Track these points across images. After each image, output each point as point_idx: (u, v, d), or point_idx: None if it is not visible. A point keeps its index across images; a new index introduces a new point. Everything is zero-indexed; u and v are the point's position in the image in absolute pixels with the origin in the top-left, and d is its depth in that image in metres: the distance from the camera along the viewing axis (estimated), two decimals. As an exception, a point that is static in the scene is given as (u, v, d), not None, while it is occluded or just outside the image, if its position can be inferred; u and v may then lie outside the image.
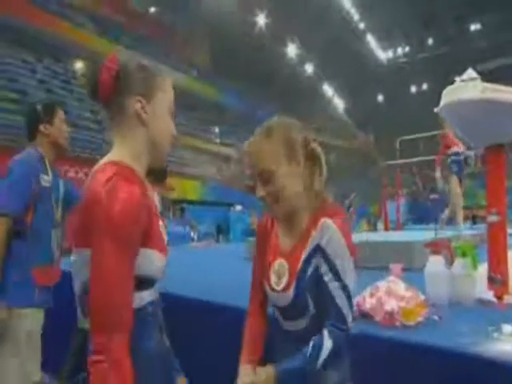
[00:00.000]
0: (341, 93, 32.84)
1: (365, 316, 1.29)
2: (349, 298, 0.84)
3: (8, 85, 13.56)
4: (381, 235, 4.72)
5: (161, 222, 0.78)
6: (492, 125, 1.40)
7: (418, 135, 9.76)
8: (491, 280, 1.47)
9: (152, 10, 23.80)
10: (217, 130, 24.12)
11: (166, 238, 0.80)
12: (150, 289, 0.74)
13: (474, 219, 13.67)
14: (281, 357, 0.86)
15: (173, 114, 0.81)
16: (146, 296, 0.73)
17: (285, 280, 0.88)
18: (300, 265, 0.87)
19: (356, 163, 36.47)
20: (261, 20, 25.44)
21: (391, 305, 1.21)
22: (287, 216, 0.91)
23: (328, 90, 32.64)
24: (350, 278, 0.84)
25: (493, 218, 1.47)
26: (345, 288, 0.83)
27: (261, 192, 0.87)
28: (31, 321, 1.57)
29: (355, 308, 1.34)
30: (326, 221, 0.86)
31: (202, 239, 11.32)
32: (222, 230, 13.91)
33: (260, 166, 0.86)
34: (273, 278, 0.90)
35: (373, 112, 34.07)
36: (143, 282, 0.72)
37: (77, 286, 0.74)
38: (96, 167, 0.74)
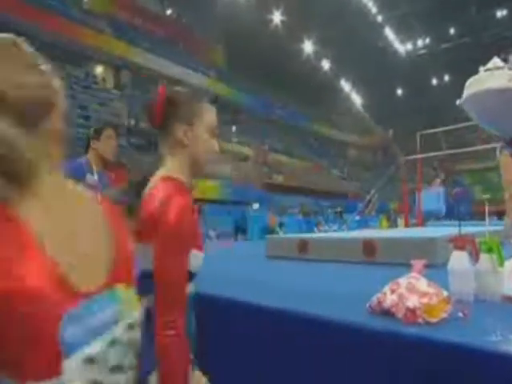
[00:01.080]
0: (358, 88, 32.27)
1: (386, 313, 1.27)
2: None
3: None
4: (401, 231, 4.63)
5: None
6: (518, 114, 1.34)
7: (438, 129, 9.51)
8: (519, 276, 1.41)
9: (169, 11, 24.06)
10: (233, 129, 24.21)
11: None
12: (190, 282, 0.89)
13: (500, 215, 13.22)
14: None
15: (213, 133, 0.98)
16: (188, 288, 0.88)
17: None
18: None
19: (376, 159, 35.86)
20: (276, 18, 25.30)
21: (413, 301, 1.18)
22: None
23: (345, 85, 32.15)
24: None
25: (520, 212, 1.41)
26: None
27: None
28: None
29: (375, 303, 1.32)
30: None
31: (220, 238, 11.40)
32: (240, 229, 13.95)
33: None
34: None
35: (392, 106, 33.33)
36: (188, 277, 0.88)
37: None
38: (155, 179, 0.94)
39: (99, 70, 20.02)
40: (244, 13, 23.64)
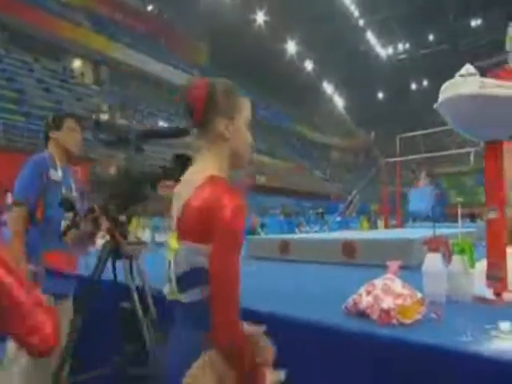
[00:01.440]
0: (341, 90, 32.76)
1: (362, 314, 1.28)
2: None
3: (6, 84, 13.55)
4: (380, 233, 4.71)
5: None
6: (490, 120, 1.39)
7: (416, 133, 9.78)
8: (490, 277, 1.46)
9: (150, 7, 23.73)
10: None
11: None
12: None
13: (473, 217, 13.70)
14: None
15: (249, 126, 1.00)
16: None
17: None
18: None
19: (358, 161, 36.49)
20: (260, 17, 25.35)
21: (388, 302, 1.20)
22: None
23: (328, 87, 32.56)
24: None
25: (492, 215, 1.46)
26: None
27: None
28: None
29: (351, 304, 1.33)
30: None
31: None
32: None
33: None
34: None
35: (373, 109, 34.01)
36: None
37: (179, 268, 0.93)
38: (200, 179, 0.91)
39: (77, 64, 19.51)
40: (228, 11, 23.59)
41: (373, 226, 15.60)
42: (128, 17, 21.92)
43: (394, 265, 1.38)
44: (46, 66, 16.61)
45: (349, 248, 2.83)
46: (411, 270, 2.22)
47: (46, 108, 12.32)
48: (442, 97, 1.49)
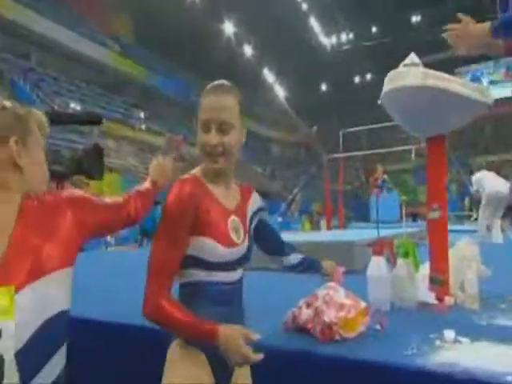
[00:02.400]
0: (282, 80, 33.53)
1: (301, 330, 1.26)
2: None
3: None
4: (322, 234, 4.87)
5: (234, 217, 1.08)
6: (433, 114, 1.45)
7: (359, 128, 10.36)
8: (432, 280, 1.53)
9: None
10: (142, 114, 23.16)
11: (232, 231, 1.06)
12: (206, 270, 1.01)
13: (415, 217, 14.92)
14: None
15: (206, 127, 1.04)
16: (200, 274, 1.01)
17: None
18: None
19: (299, 157, 37.73)
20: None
21: (330, 315, 1.18)
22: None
23: (268, 75, 33.13)
24: None
25: (434, 215, 1.53)
26: None
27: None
28: None
29: (290, 319, 1.31)
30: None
31: (121, 243, 10.76)
32: (147, 233, 13.34)
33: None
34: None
35: (316, 101, 35.38)
36: (196, 262, 1.01)
37: None
38: None
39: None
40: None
41: (315, 226, 16.20)
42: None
43: (337, 271, 1.38)
44: None
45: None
46: (355, 275, 2.30)
47: None
48: (386, 87, 1.52)
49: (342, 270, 1.41)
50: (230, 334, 0.89)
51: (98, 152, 1.55)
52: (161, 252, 0.99)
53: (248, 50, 29.94)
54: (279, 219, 19.82)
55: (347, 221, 12.04)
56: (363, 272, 1.52)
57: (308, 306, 1.27)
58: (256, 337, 0.90)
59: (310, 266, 1.35)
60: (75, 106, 17.30)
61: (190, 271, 1.02)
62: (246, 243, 1.09)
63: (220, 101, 1.04)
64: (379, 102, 1.59)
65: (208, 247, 1.01)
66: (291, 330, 1.30)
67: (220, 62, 26.89)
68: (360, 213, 18.09)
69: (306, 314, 1.25)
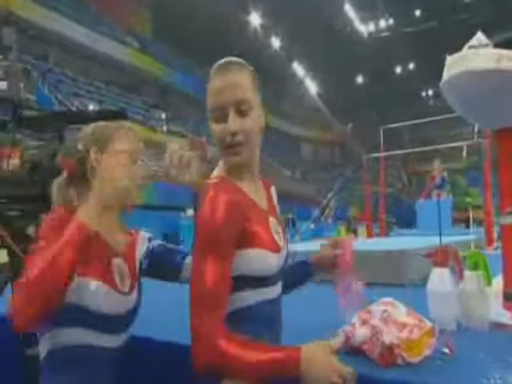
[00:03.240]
0: (314, 73, 33.33)
1: (356, 352, 1.20)
2: None
3: None
4: (364, 243, 4.75)
5: (272, 218, 1.02)
6: (508, 102, 1.37)
7: (402, 123, 10.13)
8: (507, 297, 1.44)
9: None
10: (163, 115, 23.60)
11: (279, 236, 1.02)
12: (256, 288, 0.94)
13: (467, 222, 14.35)
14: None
15: (221, 114, 0.97)
16: (248, 296, 0.93)
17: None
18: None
19: (333, 157, 37.35)
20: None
21: (390, 336, 1.12)
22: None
23: (298, 69, 33.02)
24: None
25: (508, 220, 1.44)
26: None
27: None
28: None
29: (343, 340, 1.25)
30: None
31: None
32: (171, 240, 13.55)
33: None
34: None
35: (351, 96, 34.91)
36: (243, 282, 0.92)
37: None
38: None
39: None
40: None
41: (352, 234, 15.98)
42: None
43: (347, 246, 1.25)
44: None
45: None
46: (406, 290, 2.21)
47: None
48: (447, 74, 1.45)
49: (351, 241, 1.25)
50: (313, 353, 0.79)
51: None
52: (211, 277, 0.85)
53: (276, 43, 30.00)
54: (311, 226, 19.67)
55: (389, 227, 11.76)
56: (418, 286, 1.45)
57: (363, 323, 1.21)
58: (337, 343, 0.84)
59: (293, 271, 1.20)
60: (94, 108, 17.84)
61: (239, 295, 0.92)
62: (286, 243, 1.05)
63: (232, 78, 0.94)
64: (440, 85, 1.51)
65: (257, 259, 0.92)
66: (344, 351, 1.24)
67: (245, 57, 27.07)
68: (403, 218, 17.66)
69: (361, 333, 1.19)
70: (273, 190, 1.14)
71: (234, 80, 0.94)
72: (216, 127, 0.96)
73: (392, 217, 17.20)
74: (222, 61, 0.99)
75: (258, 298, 0.94)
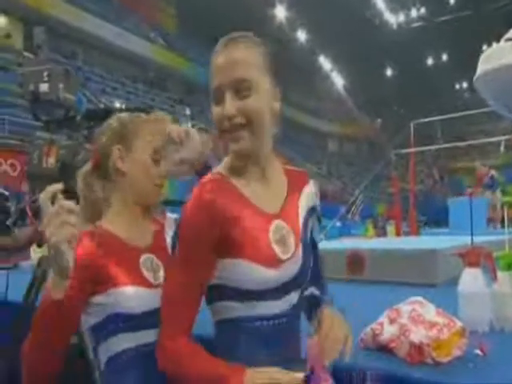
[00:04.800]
0: (341, 66, 32.92)
1: (383, 349, 1.21)
2: None
3: None
4: (392, 241, 4.71)
5: (278, 223, 0.88)
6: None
7: (434, 118, 9.90)
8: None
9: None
10: (188, 111, 23.85)
11: (276, 244, 0.87)
12: (246, 301, 0.84)
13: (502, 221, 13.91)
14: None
15: (219, 96, 0.88)
16: (238, 307, 0.84)
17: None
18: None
19: (360, 153, 36.86)
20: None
21: (419, 335, 1.13)
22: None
23: (325, 62, 32.71)
24: None
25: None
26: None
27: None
28: None
29: (370, 336, 1.26)
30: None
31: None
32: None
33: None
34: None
35: (380, 90, 34.31)
36: (231, 293, 0.84)
37: None
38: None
39: (1, 21, 18.77)
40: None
41: (380, 232, 15.72)
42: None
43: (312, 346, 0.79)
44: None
45: (356, 261, 2.78)
46: (438, 289, 2.19)
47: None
48: (481, 68, 1.44)
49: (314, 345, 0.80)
50: (261, 374, 0.77)
51: None
52: (177, 284, 0.84)
53: (302, 36, 29.77)
54: (338, 224, 19.44)
55: (419, 226, 11.54)
56: (447, 286, 1.44)
57: (391, 322, 1.22)
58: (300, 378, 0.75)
59: (310, 307, 1.00)
60: (120, 105, 18.21)
61: (224, 304, 0.85)
62: (300, 256, 0.88)
63: (235, 54, 0.83)
64: (457, 86, 1.49)
65: (242, 271, 0.82)
66: (371, 348, 1.26)
67: (270, 50, 26.95)
68: (434, 216, 17.28)
69: (388, 331, 1.21)
70: (311, 186, 0.99)
71: (237, 56, 0.83)
72: (214, 110, 0.86)
73: (422, 215, 16.88)
74: (230, 35, 0.88)
75: (249, 312, 0.84)
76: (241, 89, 0.82)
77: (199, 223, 0.82)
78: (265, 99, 0.85)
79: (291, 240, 0.88)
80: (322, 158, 32.22)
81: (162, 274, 1.05)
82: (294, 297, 0.89)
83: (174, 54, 24.41)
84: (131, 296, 0.97)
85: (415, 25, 30.22)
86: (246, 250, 0.82)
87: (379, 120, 36.10)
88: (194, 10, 24.73)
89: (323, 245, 3.68)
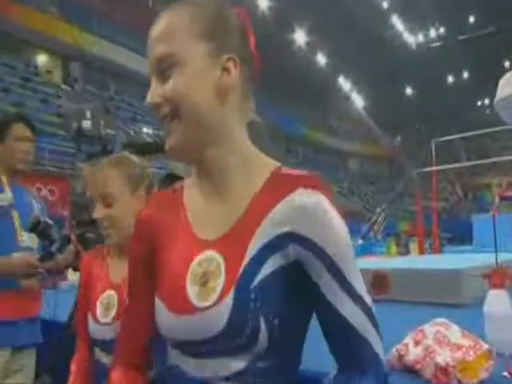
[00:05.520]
0: (360, 87, 32.95)
1: (409, 370, 1.20)
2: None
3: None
4: (417, 260, 4.62)
5: (210, 253, 0.64)
6: None
7: (456, 136, 9.77)
8: None
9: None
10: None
11: (193, 283, 0.63)
12: (173, 348, 0.67)
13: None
14: None
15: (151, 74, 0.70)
16: (171, 354, 0.68)
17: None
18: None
19: (380, 171, 36.48)
20: (263, 3, 25.73)
21: (444, 356, 1.12)
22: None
23: (345, 83, 32.79)
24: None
25: None
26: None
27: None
28: None
29: (395, 357, 1.26)
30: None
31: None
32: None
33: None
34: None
35: (399, 109, 34.10)
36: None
37: None
38: None
39: (42, 59, 19.73)
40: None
41: (403, 250, 15.38)
42: (104, 3, 22.31)
43: None
44: (4, 61, 16.77)
45: (380, 280, 2.75)
46: (462, 310, 2.14)
47: (7, 112, 12.42)
48: (501, 92, 1.44)
49: None
50: None
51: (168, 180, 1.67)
52: (125, 312, 0.81)
53: (321, 59, 30.00)
54: (360, 241, 19.17)
55: (442, 243, 11.26)
56: (473, 306, 1.42)
57: (416, 343, 1.21)
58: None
59: None
60: (147, 131, 18.64)
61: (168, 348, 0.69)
62: (229, 307, 0.59)
63: (156, 29, 0.66)
64: (495, 102, 1.50)
65: (156, 311, 0.66)
66: (397, 369, 1.25)
67: (290, 73, 27.33)
68: (458, 233, 16.84)
69: (413, 353, 1.19)
70: (292, 200, 0.62)
71: (159, 29, 0.64)
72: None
73: (446, 232, 16.51)
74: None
75: (177, 359, 0.66)
76: (163, 68, 0.63)
77: (132, 240, 0.74)
78: (197, 74, 0.62)
79: (219, 281, 0.61)
80: (343, 177, 32.04)
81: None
82: (222, 364, 0.61)
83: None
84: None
85: (435, 44, 30.06)
86: (161, 284, 0.66)
87: (399, 138, 35.76)
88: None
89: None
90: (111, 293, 1.10)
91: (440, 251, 7.98)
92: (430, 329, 1.23)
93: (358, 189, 31.64)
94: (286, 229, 0.61)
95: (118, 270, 1.12)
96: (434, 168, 8.38)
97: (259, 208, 0.63)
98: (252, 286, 0.60)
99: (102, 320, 1.09)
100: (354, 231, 21.96)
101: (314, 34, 27.68)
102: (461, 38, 28.07)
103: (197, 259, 0.63)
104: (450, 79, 33.32)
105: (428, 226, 9.12)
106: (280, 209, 0.62)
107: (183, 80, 0.62)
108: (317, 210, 0.61)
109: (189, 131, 0.63)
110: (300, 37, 27.97)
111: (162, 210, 0.70)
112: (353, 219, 23.76)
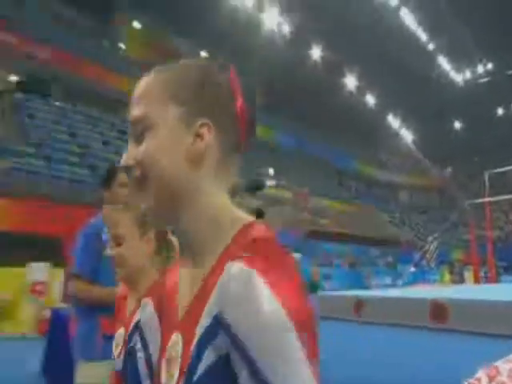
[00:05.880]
0: (409, 123, 32.04)
1: (484, 407, 1.09)
2: None
3: (70, 139, 15.40)
4: (474, 289, 4.25)
5: (176, 336, 0.53)
6: None
7: (509, 168, 9.06)
8: None
9: (203, 52, 25.79)
10: (271, 171, 24.47)
11: (165, 365, 0.53)
12: None
13: None
14: None
15: None
16: None
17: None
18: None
19: (430, 202, 34.53)
20: (316, 53, 26.25)
21: (522, 395, 1.01)
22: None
23: (393, 121, 32.08)
24: None
25: None
26: None
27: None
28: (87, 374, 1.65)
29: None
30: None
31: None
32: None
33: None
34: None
35: (449, 143, 32.59)
36: None
37: None
38: None
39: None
40: (282, 49, 24.80)
41: (457, 278, 14.25)
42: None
43: None
44: (106, 119, 18.52)
45: (439, 309, 2.57)
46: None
47: (109, 160, 13.52)
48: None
49: None
50: None
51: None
52: None
53: (371, 100, 29.76)
54: (412, 269, 18.02)
55: (499, 272, 10.26)
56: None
57: (490, 379, 1.10)
58: None
59: None
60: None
61: None
62: None
63: (137, 90, 0.58)
64: None
65: None
66: (470, 406, 1.14)
67: (341, 113, 27.27)
68: (509, 262, 15.32)
69: (488, 389, 1.09)
70: (225, 280, 0.47)
71: (136, 93, 0.58)
72: None
73: (501, 260, 15.10)
74: None
75: None
76: (139, 131, 0.55)
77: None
78: (168, 138, 0.54)
79: (176, 369, 0.51)
80: (395, 208, 30.80)
81: None
82: None
83: (258, 124, 25.58)
84: None
85: (482, 80, 28.73)
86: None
87: (449, 170, 33.91)
88: (271, 82, 26.05)
89: (407, 293, 3.46)
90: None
91: (496, 280, 7.31)
92: (504, 365, 1.12)
93: (409, 219, 30.13)
94: (215, 311, 0.46)
95: (129, 307, 1.07)
96: (487, 199, 7.82)
97: (213, 279, 0.49)
98: (194, 372, 0.46)
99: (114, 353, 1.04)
100: (406, 260, 20.77)
101: (363, 78, 27.62)
102: (510, 72, 26.54)
103: (170, 341, 0.54)
104: (500, 111, 31.36)
105: (482, 255, 8.45)
106: (220, 288, 0.47)
107: (155, 143, 0.54)
108: (241, 285, 0.44)
109: (157, 195, 0.54)
110: (350, 81, 28.01)
111: (168, 282, 0.63)
112: (404, 248, 22.53)
